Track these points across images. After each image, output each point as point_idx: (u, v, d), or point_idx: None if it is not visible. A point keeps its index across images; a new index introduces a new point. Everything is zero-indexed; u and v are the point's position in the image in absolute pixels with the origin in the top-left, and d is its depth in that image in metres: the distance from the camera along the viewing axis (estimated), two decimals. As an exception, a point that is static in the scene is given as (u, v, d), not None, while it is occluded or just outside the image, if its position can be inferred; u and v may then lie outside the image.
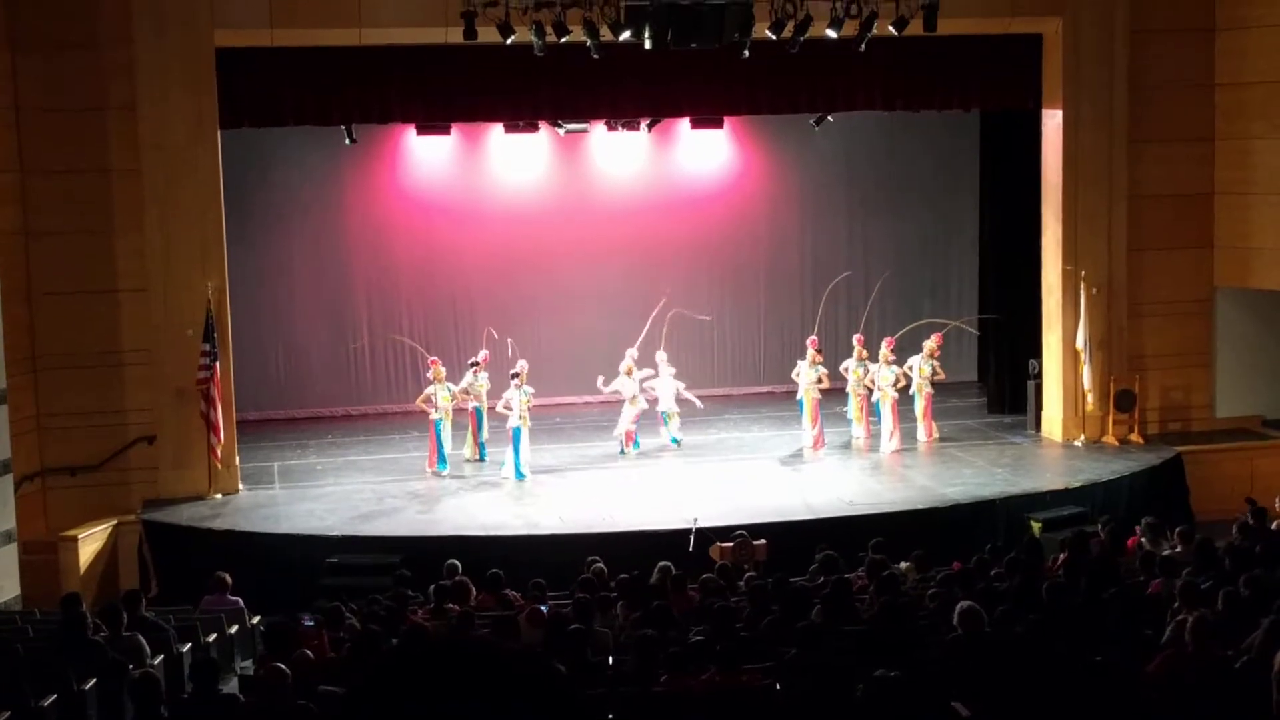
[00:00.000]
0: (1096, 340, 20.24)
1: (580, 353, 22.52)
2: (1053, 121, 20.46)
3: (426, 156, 23.47)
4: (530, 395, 19.16)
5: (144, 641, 11.69)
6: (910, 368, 20.52)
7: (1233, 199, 20.69)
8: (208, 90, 18.31)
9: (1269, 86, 20.05)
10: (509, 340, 20.55)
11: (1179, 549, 13.34)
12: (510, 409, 19.06)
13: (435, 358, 20.21)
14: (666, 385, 20.55)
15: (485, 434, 20.14)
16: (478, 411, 20.06)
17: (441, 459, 19.49)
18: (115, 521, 17.79)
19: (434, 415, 19.47)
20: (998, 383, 22.92)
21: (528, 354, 20.88)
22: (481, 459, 20.09)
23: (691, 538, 15.82)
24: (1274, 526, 14.74)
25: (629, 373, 20.27)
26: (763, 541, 15.47)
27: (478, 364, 20.09)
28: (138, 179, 18.34)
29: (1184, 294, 20.89)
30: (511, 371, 19.47)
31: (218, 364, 18.26)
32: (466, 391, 19.91)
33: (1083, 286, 20.16)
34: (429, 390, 19.72)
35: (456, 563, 14.17)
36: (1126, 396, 20.39)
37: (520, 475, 19.03)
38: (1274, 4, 19.89)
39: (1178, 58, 20.48)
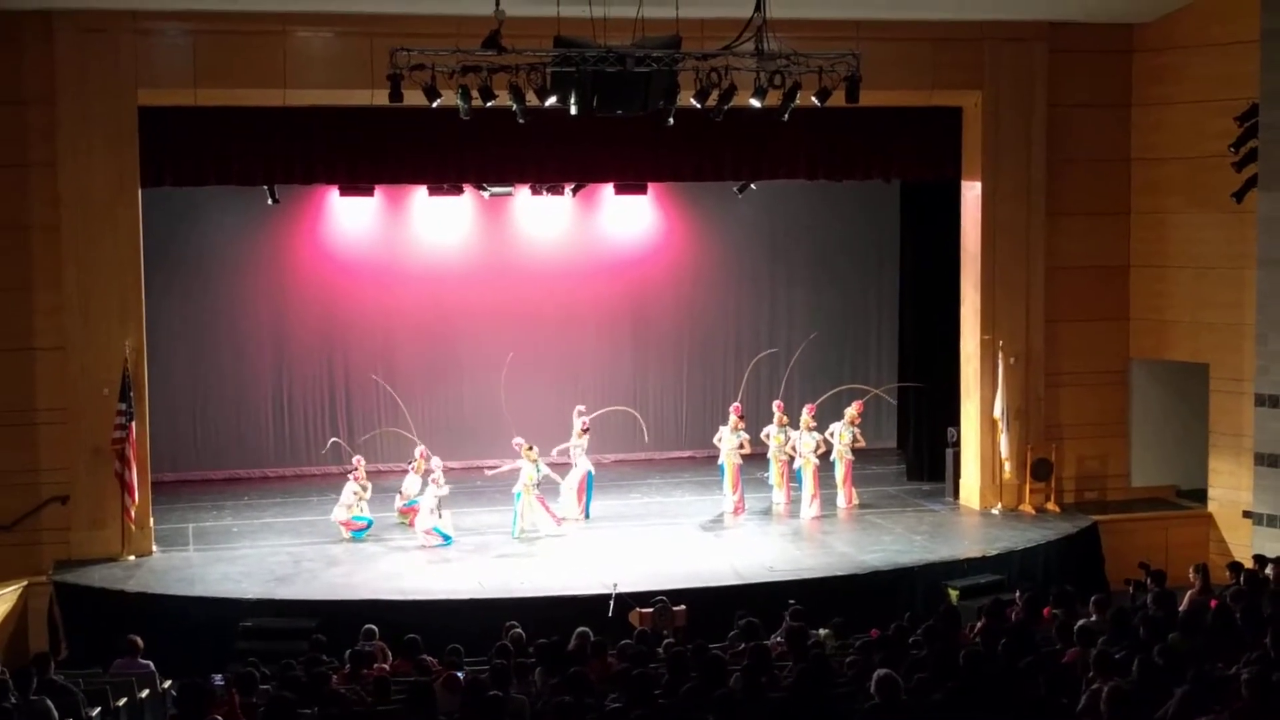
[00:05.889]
0: (1014, 409, 20.45)
1: (501, 416, 22.41)
2: (972, 193, 20.74)
3: (350, 218, 23.34)
4: (439, 467, 19.27)
5: (51, 705, 11.46)
6: (831, 434, 20.64)
7: (1148, 272, 21.04)
8: (130, 149, 18.21)
9: (1183, 162, 20.45)
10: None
11: (1094, 618, 13.43)
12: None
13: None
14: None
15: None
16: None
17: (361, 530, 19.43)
18: (26, 582, 17.47)
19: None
20: (917, 450, 23.07)
21: (450, 416, 20.74)
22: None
23: (611, 603, 15.77)
24: (1189, 594, 14.91)
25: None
26: (682, 607, 15.44)
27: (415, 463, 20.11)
28: (57, 236, 18.17)
29: (1100, 365, 21.19)
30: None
31: (134, 424, 18.08)
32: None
33: (1000, 356, 20.39)
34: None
35: (373, 627, 14.05)
36: (1043, 465, 20.60)
37: (448, 540, 18.93)
38: (1187, 82, 20.32)
39: (1095, 133, 20.87)
